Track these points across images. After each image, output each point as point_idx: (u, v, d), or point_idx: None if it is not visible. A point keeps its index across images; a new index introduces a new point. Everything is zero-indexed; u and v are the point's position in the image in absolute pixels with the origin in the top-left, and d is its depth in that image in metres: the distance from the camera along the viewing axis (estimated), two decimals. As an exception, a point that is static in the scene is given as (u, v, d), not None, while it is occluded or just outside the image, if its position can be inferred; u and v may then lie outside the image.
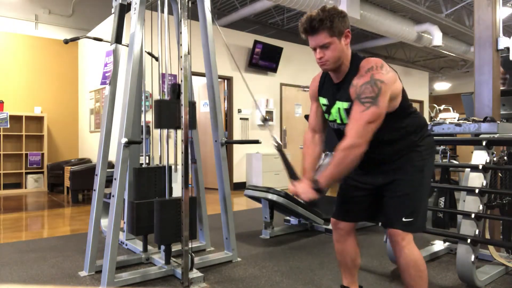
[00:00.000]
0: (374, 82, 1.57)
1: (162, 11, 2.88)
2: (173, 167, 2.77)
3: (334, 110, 1.76)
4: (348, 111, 1.68)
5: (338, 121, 1.77)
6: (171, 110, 2.49)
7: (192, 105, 2.50)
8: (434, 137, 2.71)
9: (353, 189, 1.87)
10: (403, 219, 1.67)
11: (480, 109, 2.95)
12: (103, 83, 2.87)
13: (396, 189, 1.71)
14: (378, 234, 3.69)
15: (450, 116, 3.20)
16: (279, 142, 1.96)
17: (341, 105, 1.71)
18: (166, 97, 2.84)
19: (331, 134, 1.96)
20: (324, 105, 1.82)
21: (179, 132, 2.44)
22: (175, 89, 2.53)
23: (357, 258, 1.91)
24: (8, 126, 6.86)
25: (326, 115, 1.84)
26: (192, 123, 2.51)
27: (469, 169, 2.54)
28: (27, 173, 7.25)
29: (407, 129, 1.72)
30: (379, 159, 1.76)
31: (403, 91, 1.71)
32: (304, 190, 1.65)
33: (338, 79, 1.73)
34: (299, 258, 2.98)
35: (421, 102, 11.52)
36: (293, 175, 1.76)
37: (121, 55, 2.79)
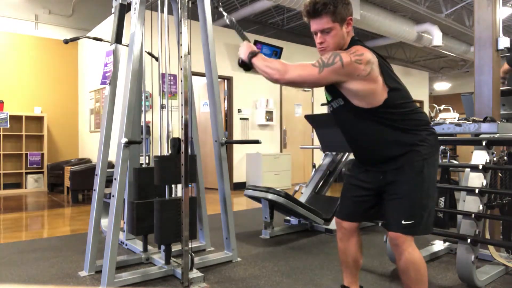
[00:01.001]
0: (335, 55, 1.60)
1: (162, 11, 2.88)
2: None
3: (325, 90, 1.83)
4: (328, 88, 1.74)
5: (328, 98, 1.81)
6: (171, 165, 2.48)
7: (192, 158, 2.49)
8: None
9: (356, 189, 1.86)
10: (403, 222, 1.64)
11: (480, 109, 2.95)
12: (103, 83, 2.87)
13: (395, 191, 1.69)
14: (378, 234, 3.69)
15: (450, 116, 3.20)
16: (231, 17, 2.20)
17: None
18: (166, 99, 2.84)
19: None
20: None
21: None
22: (175, 144, 2.52)
23: (359, 258, 1.91)
24: (8, 126, 6.88)
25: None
26: (192, 176, 2.52)
27: (469, 169, 2.54)
28: (27, 173, 7.25)
29: (405, 127, 1.68)
30: (378, 157, 1.75)
31: (399, 90, 1.68)
32: (244, 50, 1.81)
33: None
34: (299, 258, 2.98)
35: (421, 102, 11.52)
36: (244, 37, 2.05)
37: (121, 55, 2.79)
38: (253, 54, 1.77)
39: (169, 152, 2.59)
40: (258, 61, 1.75)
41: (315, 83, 1.64)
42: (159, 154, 2.73)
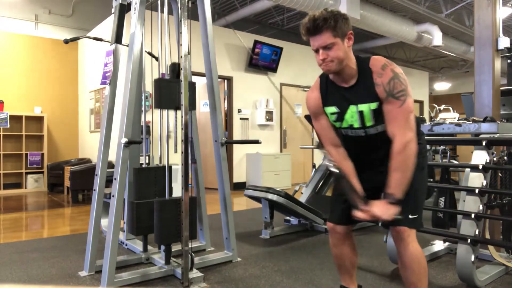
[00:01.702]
0: (398, 76, 1.60)
1: (162, 11, 2.88)
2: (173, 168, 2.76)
3: (348, 116, 1.71)
4: (376, 111, 1.65)
5: (356, 125, 1.72)
6: (171, 89, 2.47)
7: (192, 85, 2.49)
8: (434, 137, 2.73)
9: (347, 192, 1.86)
10: (410, 216, 1.68)
11: (480, 109, 2.95)
12: (103, 83, 2.87)
13: None
14: (378, 234, 3.68)
15: (450, 116, 3.20)
16: (341, 170, 1.73)
17: (366, 107, 1.66)
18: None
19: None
20: (333, 113, 1.76)
21: (179, 132, 2.44)
22: (175, 68, 2.53)
23: (355, 260, 1.92)
24: (8, 126, 6.88)
25: (338, 123, 1.77)
26: (192, 103, 2.50)
27: (469, 169, 2.54)
28: (27, 173, 7.25)
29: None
30: (378, 156, 1.75)
31: None
32: (383, 210, 1.58)
33: (348, 82, 1.69)
34: (299, 258, 2.98)
35: (421, 102, 11.53)
36: (362, 201, 1.64)
37: (121, 55, 2.79)
38: (394, 198, 1.59)
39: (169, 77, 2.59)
40: (401, 181, 1.60)
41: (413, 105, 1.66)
42: (158, 77, 2.72)
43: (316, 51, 1.64)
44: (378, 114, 1.66)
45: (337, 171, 1.68)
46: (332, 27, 1.58)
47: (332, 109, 1.75)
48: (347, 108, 1.71)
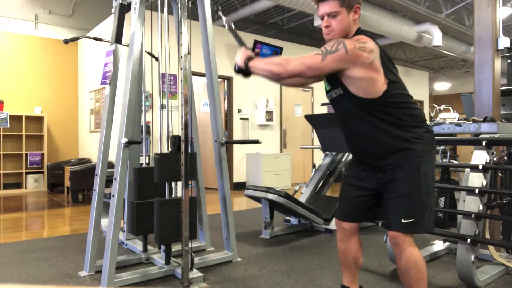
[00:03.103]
0: (339, 43, 1.61)
1: (162, 11, 2.88)
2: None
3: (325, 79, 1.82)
4: (328, 76, 1.74)
5: (327, 88, 1.81)
6: (172, 162, 2.48)
7: (192, 156, 2.50)
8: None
9: (355, 189, 1.85)
10: (403, 221, 1.64)
11: (480, 109, 2.95)
12: (103, 83, 2.87)
13: (393, 189, 1.69)
14: (378, 234, 3.69)
15: (450, 116, 3.19)
16: (230, 23, 2.06)
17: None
18: (166, 99, 2.84)
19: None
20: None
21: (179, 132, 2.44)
22: (176, 142, 2.53)
23: (359, 258, 1.91)
24: (8, 126, 6.88)
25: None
26: (193, 174, 2.54)
27: (469, 169, 2.54)
28: (27, 173, 7.25)
29: (398, 123, 1.68)
30: (374, 155, 1.74)
31: (397, 83, 1.68)
32: (240, 56, 1.80)
33: None
34: (299, 258, 2.98)
35: (421, 102, 11.52)
36: (242, 43, 1.98)
37: (121, 55, 2.79)
38: (249, 58, 1.77)
39: (169, 150, 2.59)
40: (256, 62, 1.75)
41: (318, 71, 1.63)
42: (159, 152, 2.73)
43: (322, 18, 1.69)
44: (329, 78, 1.74)
45: (224, 18, 2.05)
46: None
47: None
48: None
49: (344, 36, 1.69)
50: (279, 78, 1.70)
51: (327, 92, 1.83)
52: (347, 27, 1.67)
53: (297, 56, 1.67)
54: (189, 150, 2.45)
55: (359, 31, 1.71)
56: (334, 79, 1.72)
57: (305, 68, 1.63)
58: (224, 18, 2.06)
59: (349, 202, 1.87)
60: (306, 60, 1.62)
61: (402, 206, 1.66)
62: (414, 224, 1.65)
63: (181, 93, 2.40)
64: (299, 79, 1.83)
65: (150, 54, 3.44)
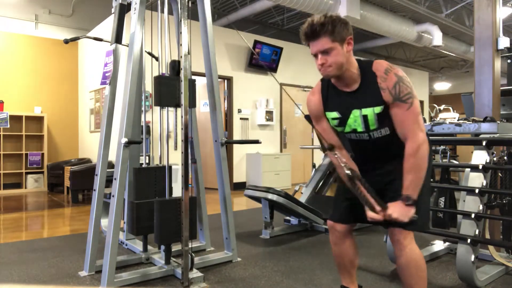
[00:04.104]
0: (402, 79, 1.61)
1: (162, 11, 2.88)
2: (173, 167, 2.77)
3: (351, 121, 1.71)
4: (380, 115, 1.65)
5: (360, 129, 1.72)
6: (170, 86, 2.47)
7: (192, 83, 2.49)
8: (434, 137, 2.72)
9: (351, 191, 1.85)
10: None
11: (480, 109, 2.95)
12: (103, 83, 2.87)
13: (396, 188, 1.69)
14: (378, 234, 3.69)
15: (450, 116, 3.19)
16: (355, 172, 1.67)
17: (370, 111, 1.66)
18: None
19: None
20: (334, 118, 1.76)
21: (179, 132, 2.44)
22: (175, 66, 2.53)
23: (355, 259, 1.91)
24: (8, 126, 6.88)
25: (340, 128, 1.78)
26: (192, 101, 2.51)
27: (469, 169, 2.54)
28: (27, 173, 7.25)
29: None
30: (379, 157, 1.76)
31: None
32: (400, 211, 1.59)
33: (351, 87, 1.69)
34: (299, 258, 2.98)
35: (421, 102, 11.51)
36: (379, 202, 1.62)
37: (121, 55, 2.79)
38: (412, 199, 1.60)
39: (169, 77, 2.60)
40: (415, 182, 1.61)
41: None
42: (158, 74, 2.72)
43: (315, 56, 1.64)
44: (382, 118, 1.67)
45: (350, 172, 1.62)
46: (330, 32, 1.57)
47: (333, 114, 1.75)
48: (350, 112, 1.71)
49: (341, 68, 1.63)
50: (429, 146, 1.66)
51: (360, 132, 1.73)
52: (343, 61, 1.62)
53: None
54: (189, 151, 2.45)
55: (361, 61, 1.69)
56: (383, 120, 1.67)
57: (421, 115, 1.65)
58: (350, 173, 1.63)
59: (344, 203, 1.87)
60: (417, 110, 1.63)
61: None
62: (416, 222, 1.67)
63: (181, 93, 2.40)
64: None
65: (150, 54, 3.44)
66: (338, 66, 1.62)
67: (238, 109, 7.49)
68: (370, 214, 1.63)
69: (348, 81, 1.68)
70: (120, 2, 2.75)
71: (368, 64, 1.66)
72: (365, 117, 1.68)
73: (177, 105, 2.51)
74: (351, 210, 1.86)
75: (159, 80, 2.50)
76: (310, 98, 1.82)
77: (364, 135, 1.73)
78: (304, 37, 1.64)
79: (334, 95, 1.74)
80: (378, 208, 1.62)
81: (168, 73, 2.72)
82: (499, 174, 2.69)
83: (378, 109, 1.65)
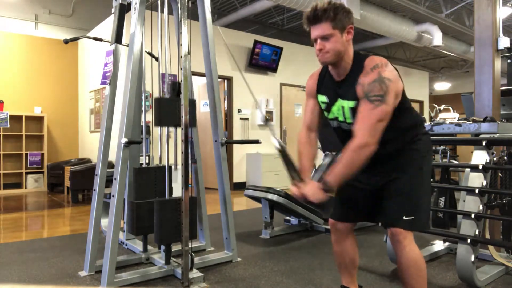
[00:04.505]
0: (382, 80, 1.56)
1: (162, 11, 2.88)
2: (173, 166, 2.77)
3: (335, 108, 1.74)
4: (354, 110, 1.65)
5: (340, 118, 1.75)
6: (171, 108, 2.48)
7: (192, 103, 2.50)
8: (434, 137, 2.73)
9: (351, 190, 1.85)
10: (404, 218, 1.66)
11: (480, 109, 2.95)
12: (103, 83, 2.87)
13: (396, 187, 1.71)
14: (378, 234, 3.68)
15: (450, 116, 3.19)
16: (282, 143, 1.77)
17: (346, 103, 1.68)
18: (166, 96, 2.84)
19: (330, 134, 1.96)
20: (323, 102, 1.80)
21: (179, 131, 2.44)
22: (175, 87, 2.53)
23: (355, 258, 1.91)
24: (8, 126, 6.88)
25: (326, 113, 1.82)
26: (192, 121, 2.50)
27: (469, 169, 2.54)
28: (27, 173, 7.25)
29: (405, 126, 1.71)
30: (378, 158, 1.76)
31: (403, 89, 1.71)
32: (312, 191, 1.61)
33: (340, 76, 1.71)
34: (299, 258, 2.98)
35: (421, 102, 11.52)
36: (297, 177, 1.69)
37: (121, 55, 2.79)
38: (325, 182, 1.61)
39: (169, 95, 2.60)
40: (339, 173, 1.59)
41: (389, 114, 1.58)
42: (159, 96, 2.70)
43: (315, 41, 1.66)
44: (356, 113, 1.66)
45: (278, 146, 1.72)
46: (331, 19, 1.59)
47: (323, 98, 1.80)
48: (336, 101, 1.74)
49: (339, 56, 1.64)
50: (372, 152, 1.56)
51: (345, 122, 1.74)
52: (341, 49, 1.63)
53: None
54: (189, 151, 2.45)
55: (358, 54, 1.69)
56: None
57: (382, 124, 1.56)
58: (277, 141, 1.75)
59: (345, 202, 1.88)
60: (379, 116, 1.54)
61: (404, 204, 1.68)
62: (415, 222, 1.67)
63: (181, 92, 2.40)
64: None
65: (150, 54, 3.44)
66: (336, 53, 1.63)
67: (238, 109, 7.49)
68: (291, 188, 1.68)
69: (340, 71, 1.69)
70: (120, 2, 2.75)
71: (362, 58, 1.66)
72: (343, 109, 1.71)
73: (177, 125, 2.51)
74: (352, 209, 1.86)
75: (159, 102, 2.49)
76: (309, 78, 1.91)
77: (344, 125, 1.76)
78: (306, 21, 1.66)
79: (328, 81, 1.77)
80: (297, 182, 1.66)
81: (168, 93, 2.70)
82: (499, 174, 2.69)
83: (351, 104, 1.66)
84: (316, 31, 1.63)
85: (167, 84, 2.75)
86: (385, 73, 1.57)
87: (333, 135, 1.96)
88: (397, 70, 1.67)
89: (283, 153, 1.72)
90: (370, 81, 1.57)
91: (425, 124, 2.24)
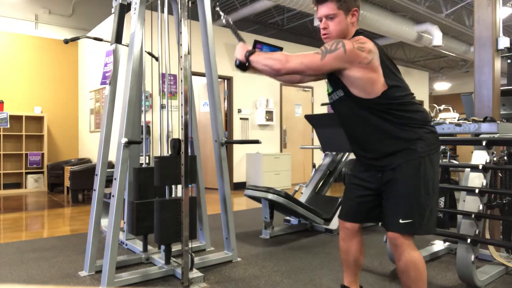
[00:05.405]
0: (338, 43, 1.63)
1: (162, 11, 2.88)
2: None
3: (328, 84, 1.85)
4: (330, 76, 1.75)
5: (329, 90, 1.83)
6: (171, 165, 2.48)
7: (192, 159, 2.49)
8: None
9: (358, 189, 1.85)
10: (400, 221, 1.63)
11: (480, 109, 2.95)
12: (103, 83, 2.87)
13: (392, 189, 1.69)
14: (378, 234, 3.69)
15: (450, 116, 3.20)
16: (227, 18, 2.03)
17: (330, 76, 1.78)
18: (166, 99, 2.84)
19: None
20: (327, 83, 1.88)
21: (180, 132, 2.44)
22: (175, 145, 2.53)
23: (360, 258, 1.90)
24: (8, 126, 6.88)
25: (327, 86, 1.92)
26: (193, 176, 2.52)
27: (469, 169, 2.54)
28: (27, 173, 7.25)
29: (399, 123, 1.67)
30: (375, 155, 1.75)
31: (399, 83, 1.68)
32: (240, 50, 1.81)
33: None
34: (299, 258, 2.98)
35: (421, 102, 11.49)
36: (240, 38, 1.93)
37: (121, 55, 2.79)
38: (250, 52, 1.78)
39: (169, 152, 2.59)
40: (257, 57, 1.77)
41: (317, 70, 1.65)
42: (159, 155, 2.72)
43: (320, 20, 1.73)
44: (331, 80, 1.77)
45: (223, 14, 2.04)
46: None
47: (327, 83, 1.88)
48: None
49: (342, 37, 1.71)
50: (277, 74, 1.71)
51: (329, 94, 1.85)
52: (345, 30, 1.70)
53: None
54: (189, 151, 2.45)
55: (358, 33, 1.74)
56: (335, 81, 1.74)
57: (304, 67, 1.64)
58: (222, 14, 2.07)
59: (351, 202, 1.88)
60: (306, 59, 1.64)
61: (400, 206, 1.65)
62: (413, 225, 1.63)
63: (181, 93, 2.40)
64: (297, 76, 1.84)
65: (150, 54, 3.44)
66: (339, 34, 1.70)
67: (238, 109, 7.49)
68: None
69: None
70: (120, 2, 2.75)
71: (354, 36, 1.73)
72: (329, 81, 1.80)
73: (177, 182, 2.51)
74: (359, 209, 1.85)
75: (160, 162, 2.48)
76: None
77: (331, 96, 1.83)
78: (314, 0, 1.74)
79: None
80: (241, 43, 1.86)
81: (167, 102, 2.70)
82: (499, 174, 2.69)
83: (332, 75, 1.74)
84: (322, 10, 1.71)
85: (167, 91, 2.75)
86: (348, 43, 1.63)
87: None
88: (394, 65, 1.71)
89: (228, 23, 1.99)
90: (332, 42, 1.66)
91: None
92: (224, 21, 2.01)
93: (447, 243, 3.09)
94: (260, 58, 1.75)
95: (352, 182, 1.89)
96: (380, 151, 1.72)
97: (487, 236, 2.66)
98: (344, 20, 1.69)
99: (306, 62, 1.64)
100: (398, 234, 1.65)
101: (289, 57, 1.66)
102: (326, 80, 1.84)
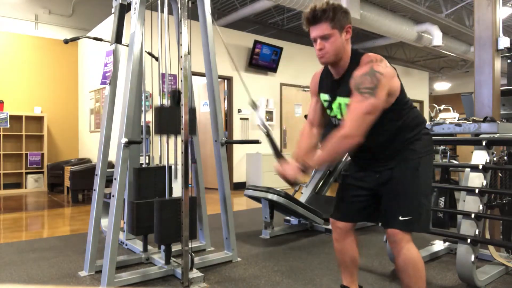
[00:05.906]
0: (373, 74, 1.58)
1: (162, 11, 2.88)
2: (173, 167, 2.77)
3: (335, 106, 1.78)
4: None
5: (339, 116, 1.78)
6: (171, 116, 2.48)
7: (192, 111, 2.50)
8: (434, 137, 2.72)
9: (351, 189, 1.86)
10: (400, 218, 1.66)
11: (480, 109, 2.95)
12: (103, 83, 2.87)
13: (391, 188, 1.72)
14: (378, 234, 3.69)
15: (450, 116, 3.20)
16: (267, 125, 1.97)
17: (343, 100, 1.71)
18: (166, 99, 2.84)
19: (330, 134, 1.96)
20: (325, 101, 1.83)
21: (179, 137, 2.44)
22: (175, 95, 2.53)
23: (356, 257, 1.91)
24: (8, 126, 6.88)
25: (328, 111, 1.84)
26: (192, 128, 2.51)
27: (469, 169, 2.54)
28: (27, 173, 7.25)
29: (403, 125, 1.71)
30: (375, 156, 1.77)
31: (402, 87, 1.71)
32: (290, 170, 1.71)
33: (338, 75, 1.74)
34: (299, 258, 2.98)
35: (421, 102, 11.52)
36: (279, 155, 1.82)
37: (121, 55, 2.79)
38: (305, 167, 1.69)
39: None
40: (317, 161, 1.68)
41: (379, 109, 1.59)
42: (158, 105, 2.71)
43: (314, 40, 1.69)
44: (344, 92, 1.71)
45: (264, 129, 1.93)
46: (331, 19, 1.62)
47: (325, 97, 1.82)
48: (335, 99, 1.77)
49: (338, 55, 1.67)
50: (355, 145, 1.59)
51: (339, 119, 1.78)
52: (341, 48, 1.66)
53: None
54: (189, 151, 2.45)
55: (356, 51, 1.71)
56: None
57: (370, 118, 1.58)
58: (264, 129, 1.96)
59: (345, 202, 1.89)
60: (366, 109, 1.56)
61: (400, 204, 1.68)
62: (412, 222, 1.67)
63: (181, 93, 2.40)
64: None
65: (150, 54, 3.44)
66: (335, 53, 1.66)
67: (238, 109, 7.49)
68: (274, 165, 1.78)
69: (339, 69, 1.72)
70: (120, 2, 2.75)
71: (359, 55, 1.69)
72: (340, 106, 1.74)
73: (177, 133, 2.52)
74: (351, 209, 1.87)
75: (159, 111, 2.49)
76: (312, 78, 1.93)
77: (342, 123, 1.76)
78: (306, 22, 1.69)
79: (328, 79, 1.80)
80: (279, 161, 1.78)
81: (168, 102, 2.71)
82: (499, 174, 2.69)
83: (347, 100, 1.68)
84: (315, 31, 1.66)
85: (167, 87, 2.75)
86: (377, 67, 1.59)
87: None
88: (395, 69, 1.69)
89: (267, 134, 1.90)
90: (361, 74, 1.60)
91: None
92: (265, 134, 1.92)
93: (447, 243, 3.09)
94: (322, 158, 1.65)
95: (346, 181, 1.90)
96: (384, 152, 1.75)
97: (487, 236, 2.66)
98: (339, 38, 1.65)
99: (369, 111, 1.56)
100: (398, 231, 1.67)
101: (350, 126, 1.57)
102: (332, 104, 1.78)
